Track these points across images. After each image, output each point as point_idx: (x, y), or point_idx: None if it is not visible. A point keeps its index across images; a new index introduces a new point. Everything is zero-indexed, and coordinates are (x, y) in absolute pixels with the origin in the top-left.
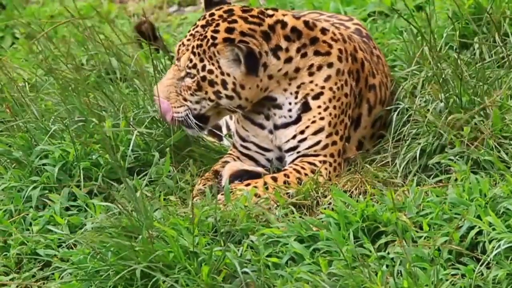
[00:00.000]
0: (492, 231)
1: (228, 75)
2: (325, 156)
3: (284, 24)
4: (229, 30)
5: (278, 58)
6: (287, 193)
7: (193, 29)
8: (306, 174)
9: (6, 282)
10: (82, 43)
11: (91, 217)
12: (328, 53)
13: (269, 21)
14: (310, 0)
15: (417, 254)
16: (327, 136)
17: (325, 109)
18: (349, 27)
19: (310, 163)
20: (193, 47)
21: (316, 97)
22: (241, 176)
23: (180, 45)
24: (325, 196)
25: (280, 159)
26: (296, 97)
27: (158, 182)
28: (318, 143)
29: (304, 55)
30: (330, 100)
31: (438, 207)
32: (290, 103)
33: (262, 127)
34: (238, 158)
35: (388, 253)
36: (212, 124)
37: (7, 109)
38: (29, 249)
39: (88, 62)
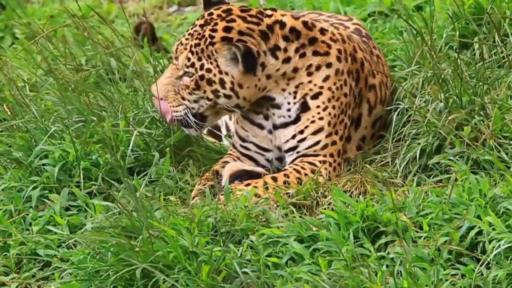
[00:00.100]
0: (492, 231)
1: (226, 74)
2: (324, 156)
3: (282, 24)
4: (227, 29)
5: (277, 58)
6: (287, 193)
7: (192, 29)
8: (306, 174)
9: (6, 282)
10: (82, 43)
11: (91, 217)
12: (327, 53)
13: (267, 21)
14: (310, 0)
15: (417, 254)
16: (326, 136)
17: (324, 109)
18: (349, 27)
19: (310, 163)
20: (191, 46)
21: (315, 97)
22: (241, 176)
23: (178, 44)
24: (325, 196)
25: (280, 159)
26: (294, 97)
27: (158, 182)
28: (317, 143)
29: (302, 55)
30: (329, 100)
31: (438, 207)
32: (289, 103)
33: (261, 127)
34: (238, 158)
35: (388, 253)
36: (211, 124)
37: (7, 109)
38: (29, 249)
39: (87, 62)
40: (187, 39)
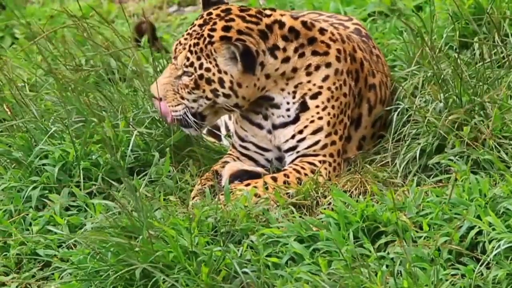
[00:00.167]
0: (492, 231)
1: (226, 73)
2: (324, 156)
3: (281, 24)
4: (226, 29)
5: (276, 57)
6: (287, 193)
7: (191, 29)
8: (306, 174)
9: (6, 282)
10: (82, 43)
11: (91, 217)
12: (326, 53)
13: (266, 20)
14: (310, 0)
15: (417, 254)
16: (326, 136)
17: (324, 109)
18: (348, 27)
19: (309, 163)
20: (190, 45)
21: (314, 96)
22: (241, 176)
23: (177, 44)
24: (325, 196)
25: (280, 159)
26: (294, 97)
27: (158, 182)
28: (317, 142)
29: (301, 55)
30: (328, 100)
31: (438, 207)
32: (288, 103)
33: (260, 127)
34: (238, 158)
35: (388, 253)
36: (210, 124)
37: (7, 109)
38: (29, 249)
39: (87, 62)
40: (186, 39)
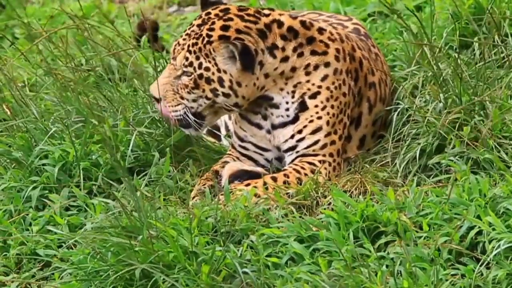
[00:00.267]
0: (492, 231)
1: (225, 72)
2: (324, 155)
3: (280, 24)
4: (225, 28)
5: (274, 56)
6: (287, 193)
7: (189, 29)
8: (306, 174)
9: (6, 282)
10: (82, 43)
11: (91, 217)
12: (325, 53)
13: (265, 20)
14: (310, 0)
15: (417, 254)
16: (325, 136)
17: (323, 109)
18: (347, 27)
19: (309, 163)
20: (188, 45)
21: (313, 96)
22: (240, 176)
23: (175, 45)
24: (325, 196)
25: (280, 159)
26: (293, 97)
27: (158, 182)
28: (316, 142)
29: (300, 55)
30: (327, 100)
31: (438, 207)
32: (287, 103)
33: (259, 127)
34: (238, 158)
35: (388, 253)
36: (210, 124)
37: (6, 109)
38: (29, 249)
39: (87, 62)
40: (184, 39)
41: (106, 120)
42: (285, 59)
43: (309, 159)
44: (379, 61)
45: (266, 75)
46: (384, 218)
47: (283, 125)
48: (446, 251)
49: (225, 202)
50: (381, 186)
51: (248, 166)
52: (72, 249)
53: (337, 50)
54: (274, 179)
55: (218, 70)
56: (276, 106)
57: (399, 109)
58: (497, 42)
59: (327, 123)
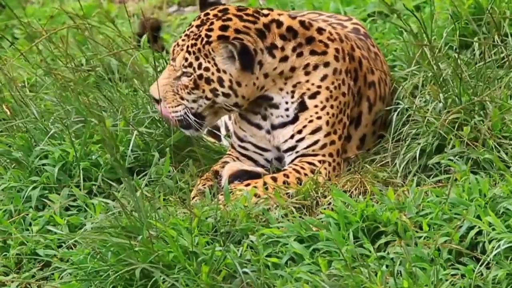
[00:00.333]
0: (492, 231)
1: (224, 72)
2: (323, 155)
3: (279, 23)
4: (224, 28)
5: (274, 56)
6: (287, 193)
7: (188, 30)
8: (305, 174)
9: (6, 282)
10: (82, 43)
11: (91, 217)
12: (324, 53)
13: (264, 20)
14: (310, 0)
15: (417, 254)
16: (325, 136)
17: (322, 108)
18: (347, 27)
19: (309, 163)
20: (187, 46)
21: (313, 96)
22: (240, 176)
23: (175, 46)
24: (325, 196)
25: (279, 159)
26: (292, 97)
27: (158, 182)
28: (316, 142)
29: (300, 55)
30: (327, 100)
31: (438, 207)
32: (286, 102)
33: (259, 127)
34: (238, 158)
35: (388, 253)
36: (210, 124)
37: (6, 109)
38: (29, 249)
39: (87, 62)
40: (183, 40)
41: (103, 120)
42: (284, 59)
43: (309, 159)
44: (379, 61)
45: (266, 75)
46: (384, 218)
47: (283, 125)
48: (446, 251)
49: (225, 202)
50: (381, 186)
51: (248, 166)
52: (72, 249)
53: (337, 50)
54: (274, 179)
55: (218, 70)
56: (276, 106)
57: (399, 109)
58: (497, 42)
59: (327, 123)
